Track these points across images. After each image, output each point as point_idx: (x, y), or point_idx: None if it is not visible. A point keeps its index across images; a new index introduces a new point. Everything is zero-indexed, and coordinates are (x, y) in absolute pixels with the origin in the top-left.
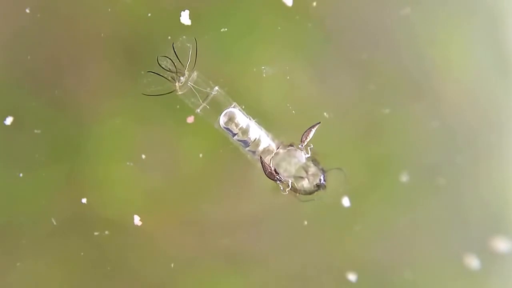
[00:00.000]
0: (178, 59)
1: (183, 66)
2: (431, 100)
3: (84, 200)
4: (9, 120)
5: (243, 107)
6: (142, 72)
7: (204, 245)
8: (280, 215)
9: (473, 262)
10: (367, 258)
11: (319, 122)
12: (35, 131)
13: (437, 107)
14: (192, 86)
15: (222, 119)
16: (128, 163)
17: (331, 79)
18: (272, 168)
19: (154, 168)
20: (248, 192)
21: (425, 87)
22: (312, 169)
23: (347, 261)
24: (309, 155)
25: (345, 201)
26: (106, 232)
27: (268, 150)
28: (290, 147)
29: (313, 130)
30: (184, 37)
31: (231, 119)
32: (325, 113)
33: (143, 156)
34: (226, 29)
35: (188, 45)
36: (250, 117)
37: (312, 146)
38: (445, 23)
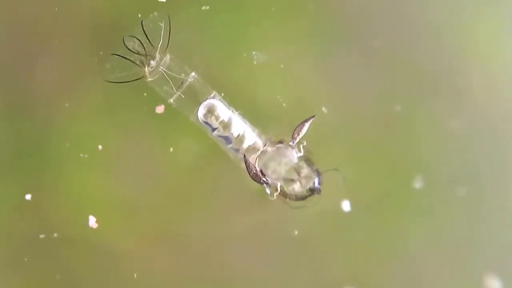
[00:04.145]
0: (148, 40)
1: (153, 48)
2: (452, 95)
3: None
4: None
5: (222, 94)
6: (101, 53)
7: (173, 251)
8: (265, 223)
9: (494, 283)
10: (369, 273)
11: (314, 116)
12: None
13: (459, 104)
14: (164, 71)
15: (201, 111)
16: (81, 155)
17: (333, 70)
18: (258, 169)
19: (114, 162)
20: (226, 196)
21: (445, 81)
22: (305, 170)
23: (345, 275)
24: (301, 154)
25: (345, 205)
26: (55, 235)
27: (254, 147)
28: (279, 145)
29: (307, 124)
30: (156, 13)
31: (210, 111)
32: (323, 108)
33: (100, 147)
34: (207, 7)
35: (161, 25)
36: (233, 109)
37: (305, 144)
38: (470, 7)
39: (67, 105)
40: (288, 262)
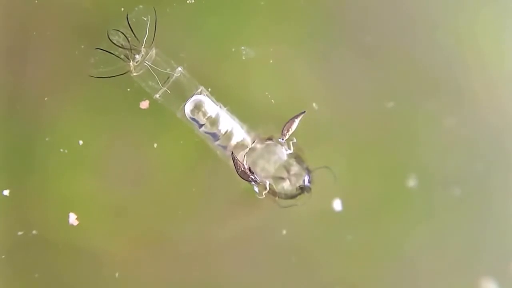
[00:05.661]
0: (133, 33)
1: (139, 42)
2: (448, 93)
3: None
4: None
5: (210, 90)
6: (82, 47)
7: (156, 249)
8: (253, 222)
9: (490, 286)
10: (361, 274)
11: (304, 112)
12: None
13: (455, 102)
14: (150, 66)
15: (188, 107)
16: (62, 150)
17: (325, 65)
18: (246, 167)
19: (96, 158)
20: (213, 194)
21: (442, 78)
22: (295, 168)
23: (336, 275)
24: (291, 151)
25: (337, 204)
26: (34, 232)
27: (242, 144)
28: (268, 142)
29: (297, 121)
30: (140, 6)
31: (197, 107)
32: (314, 104)
33: (81, 142)
34: (192, 1)
35: (145, 19)
36: (221, 105)
37: (295, 141)
38: (469, 5)
39: (47, 99)
40: (275, 262)
